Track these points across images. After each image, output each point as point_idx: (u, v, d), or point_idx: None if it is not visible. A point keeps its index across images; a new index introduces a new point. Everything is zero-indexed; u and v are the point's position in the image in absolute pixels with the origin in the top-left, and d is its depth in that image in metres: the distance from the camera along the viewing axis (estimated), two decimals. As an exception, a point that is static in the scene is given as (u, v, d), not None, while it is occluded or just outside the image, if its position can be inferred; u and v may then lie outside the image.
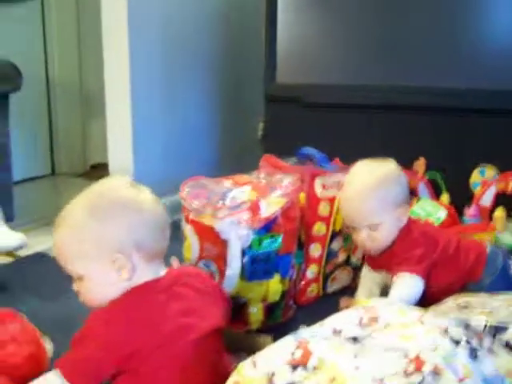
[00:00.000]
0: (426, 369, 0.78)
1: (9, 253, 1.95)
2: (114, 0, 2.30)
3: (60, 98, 3.31)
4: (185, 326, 1.02)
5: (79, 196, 1.05)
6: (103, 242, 1.00)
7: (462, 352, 0.82)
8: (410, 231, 1.47)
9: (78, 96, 3.39)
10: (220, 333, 1.10)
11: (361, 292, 1.60)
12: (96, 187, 1.06)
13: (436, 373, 0.77)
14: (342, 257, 1.73)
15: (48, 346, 1.18)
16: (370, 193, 1.44)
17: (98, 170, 3.16)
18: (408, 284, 1.40)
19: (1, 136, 2.16)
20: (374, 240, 1.46)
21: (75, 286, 1.05)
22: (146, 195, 1.06)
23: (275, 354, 0.89)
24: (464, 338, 0.86)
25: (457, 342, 0.85)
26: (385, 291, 1.50)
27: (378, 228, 1.44)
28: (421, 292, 1.40)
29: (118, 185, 1.07)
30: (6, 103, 2.19)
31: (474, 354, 0.83)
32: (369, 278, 1.58)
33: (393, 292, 1.39)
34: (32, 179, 3.15)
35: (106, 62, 2.37)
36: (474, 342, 0.86)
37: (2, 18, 2.90)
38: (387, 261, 1.47)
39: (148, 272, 1.03)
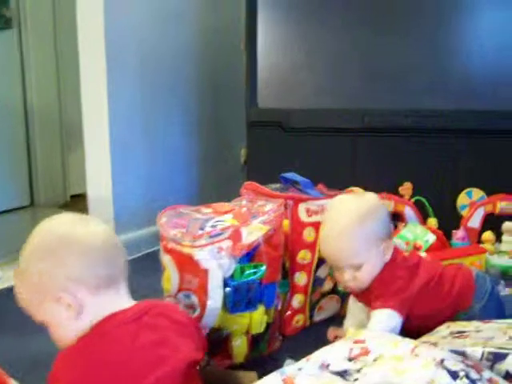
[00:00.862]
0: (423, 406, 0.72)
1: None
2: (90, 28, 2.28)
3: (39, 126, 3.27)
4: (158, 358, 0.96)
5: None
6: (42, 284, 0.98)
7: (460, 386, 0.77)
8: (393, 266, 1.40)
9: (57, 125, 3.36)
10: (196, 367, 1.03)
11: (349, 322, 1.54)
12: (37, 227, 1.04)
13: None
14: (328, 285, 1.67)
15: None
16: (351, 233, 1.36)
17: (79, 201, 3.10)
18: (382, 319, 1.34)
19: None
20: (356, 279, 1.39)
21: None
22: (84, 228, 1.03)
23: (259, 393, 0.82)
24: (462, 370, 0.80)
25: (455, 375, 0.79)
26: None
27: (361, 267, 1.37)
28: (398, 326, 1.33)
29: (54, 223, 1.04)
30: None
31: (472, 387, 0.77)
32: (356, 307, 1.52)
33: (368, 327, 1.33)
34: (10, 211, 3.09)
35: (83, 92, 2.34)
36: (473, 373, 0.80)
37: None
38: (367, 295, 1.42)
39: (101, 305, 0.99)
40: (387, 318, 1.34)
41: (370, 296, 1.40)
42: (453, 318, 1.36)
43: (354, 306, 1.54)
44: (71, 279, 0.97)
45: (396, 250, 1.44)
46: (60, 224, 1.03)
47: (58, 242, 0.99)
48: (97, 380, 0.91)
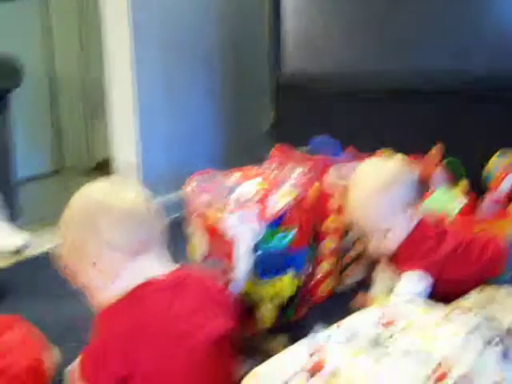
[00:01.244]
0: (455, 374, 0.71)
1: (13, 253, 1.90)
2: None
3: (63, 93, 3.28)
4: (192, 326, 0.97)
5: None
6: (80, 248, 0.99)
7: (493, 354, 0.75)
8: (421, 230, 1.38)
9: (81, 91, 3.35)
10: (229, 337, 1.03)
11: (377, 288, 1.53)
12: (75, 194, 1.05)
13: (466, 378, 0.70)
14: (357, 250, 1.66)
15: (53, 358, 1.13)
16: (377, 198, 1.35)
17: (104, 166, 3.11)
18: (410, 282, 1.33)
19: (2, 134, 2.12)
20: (384, 245, 1.39)
21: None
22: (122, 194, 1.03)
23: (288, 361, 0.82)
24: (495, 338, 0.79)
25: (487, 342, 0.77)
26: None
27: (388, 233, 1.37)
28: (427, 289, 1.32)
29: (91, 189, 1.05)
30: (8, 101, 2.14)
31: (506, 354, 0.76)
32: (384, 273, 1.51)
33: (395, 291, 1.32)
34: (37, 177, 3.11)
35: (106, 56, 2.33)
36: (506, 341, 0.79)
37: (3, 14, 2.85)
38: (396, 261, 1.41)
39: (138, 270, 0.99)
40: (416, 281, 1.32)
41: (399, 261, 1.39)
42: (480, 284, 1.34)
43: (382, 273, 1.53)
44: (107, 245, 0.98)
45: (424, 215, 1.42)
46: (98, 190, 1.04)
47: (95, 208, 1.00)
48: (133, 341, 0.91)
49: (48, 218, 2.42)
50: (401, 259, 1.38)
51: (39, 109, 3.19)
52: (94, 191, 1.04)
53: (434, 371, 0.73)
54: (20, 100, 2.27)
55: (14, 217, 2.02)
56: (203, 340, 0.96)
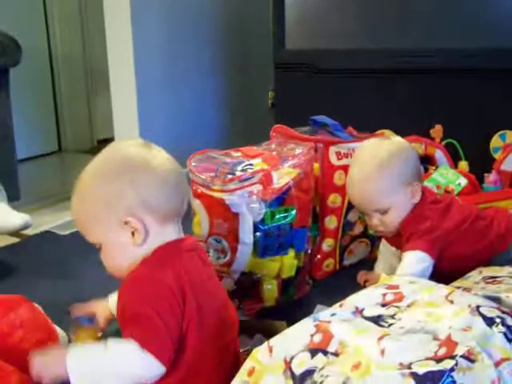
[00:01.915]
0: (459, 352, 0.71)
1: (14, 233, 1.90)
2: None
3: (64, 73, 3.26)
4: (214, 288, 0.99)
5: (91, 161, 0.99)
6: (111, 204, 0.93)
7: (497, 332, 0.75)
8: (422, 208, 1.37)
9: (82, 71, 3.33)
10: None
11: (380, 266, 1.54)
12: (104, 149, 1.00)
13: (470, 357, 0.70)
14: (358, 228, 1.66)
15: (57, 335, 1.14)
16: (376, 176, 1.34)
17: (105, 146, 3.10)
18: (412, 261, 1.32)
19: (2, 112, 2.10)
20: (385, 223, 1.38)
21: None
22: (156, 153, 0.98)
23: (293, 337, 0.82)
24: (498, 317, 0.79)
25: (491, 321, 0.78)
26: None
27: (388, 212, 1.36)
28: (429, 268, 1.31)
29: (126, 145, 1.00)
30: (7, 77, 2.12)
31: (510, 333, 0.76)
32: (387, 250, 1.51)
33: (398, 271, 1.31)
34: (38, 156, 3.11)
35: (108, 34, 2.32)
36: (509, 320, 0.79)
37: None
38: (399, 239, 1.40)
39: (163, 236, 0.97)
40: (417, 260, 1.32)
41: (401, 239, 1.39)
42: (489, 260, 1.34)
43: (385, 251, 1.53)
44: (143, 204, 0.93)
45: (426, 192, 1.41)
46: (136, 147, 0.98)
47: (137, 163, 0.95)
48: (161, 303, 0.88)
49: (48, 197, 2.43)
50: (403, 238, 1.37)
51: (40, 88, 3.17)
52: (133, 147, 0.98)
53: (438, 349, 0.73)
54: (20, 79, 2.25)
55: (13, 197, 2.01)
56: (221, 304, 0.99)
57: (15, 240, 1.98)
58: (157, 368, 0.85)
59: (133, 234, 0.94)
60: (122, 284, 0.94)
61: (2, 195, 1.84)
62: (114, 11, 2.28)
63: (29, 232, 1.98)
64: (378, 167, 1.35)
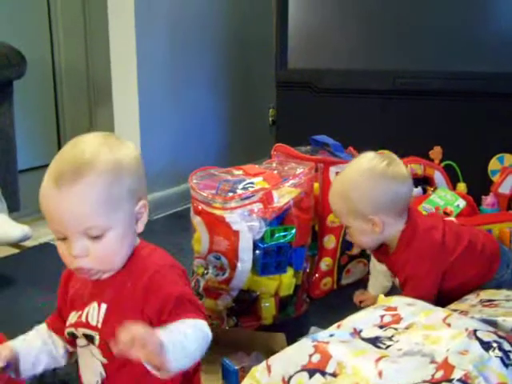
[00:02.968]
0: (456, 376, 0.72)
1: (14, 244, 1.91)
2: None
3: (66, 84, 3.26)
4: None
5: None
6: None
7: (494, 357, 0.76)
8: (412, 241, 1.33)
9: (84, 82, 3.34)
10: None
11: (372, 286, 1.55)
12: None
13: (467, 381, 0.71)
14: (357, 248, 1.67)
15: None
16: (339, 195, 1.37)
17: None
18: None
19: (6, 125, 2.12)
20: (351, 237, 1.41)
21: (77, 250, 0.89)
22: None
23: (291, 357, 0.83)
24: (495, 341, 0.80)
25: (487, 346, 0.79)
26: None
27: (349, 228, 1.39)
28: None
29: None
30: (11, 90, 2.14)
31: (506, 357, 0.77)
32: (377, 269, 1.52)
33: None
34: (38, 168, 3.11)
35: (112, 49, 2.33)
36: (506, 345, 0.80)
37: (7, 2, 2.85)
38: (389, 264, 1.40)
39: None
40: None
41: (393, 266, 1.38)
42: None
43: (374, 269, 1.54)
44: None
45: (417, 219, 1.37)
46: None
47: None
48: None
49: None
50: (400, 272, 1.35)
51: (42, 99, 3.18)
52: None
53: (435, 372, 0.74)
54: (22, 90, 2.26)
55: (13, 208, 2.02)
56: None
57: (14, 251, 1.98)
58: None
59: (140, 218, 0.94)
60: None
61: (3, 206, 1.85)
62: (118, 24, 2.30)
63: (28, 244, 1.99)
64: (344, 189, 1.36)
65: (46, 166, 0.95)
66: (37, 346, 1.01)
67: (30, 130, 2.96)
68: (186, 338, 0.82)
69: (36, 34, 3.08)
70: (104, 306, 0.91)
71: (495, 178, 2.03)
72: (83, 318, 0.93)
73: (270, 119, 2.94)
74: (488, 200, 1.97)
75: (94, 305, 0.93)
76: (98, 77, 3.28)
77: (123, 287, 0.91)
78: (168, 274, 0.91)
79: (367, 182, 1.32)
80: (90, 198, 0.87)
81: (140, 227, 0.94)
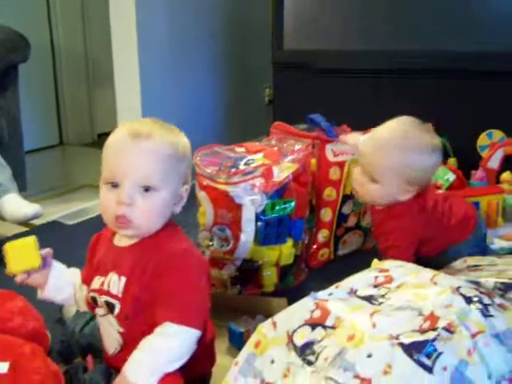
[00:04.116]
0: (440, 325, 0.81)
1: (24, 222, 1.98)
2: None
3: (66, 66, 3.31)
4: None
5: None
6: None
7: (475, 309, 0.85)
8: (405, 209, 1.39)
9: (83, 64, 3.39)
10: None
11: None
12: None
13: (450, 329, 0.80)
14: (352, 221, 1.76)
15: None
16: (388, 149, 1.36)
17: (106, 139, 3.17)
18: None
19: (13, 107, 2.18)
20: (366, 190, 1.40)
21: (127, 197, 0.98)
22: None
23: (294, 314, 0.92)
24: (476, 296, 0.89)
25: (469, 300, 0.88)
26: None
27: (377, 183, 1.37)
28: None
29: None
30: (16, 74, 2.19)
31: (486, 310, 0.86)
32: None
33: None
34: (40, 149, 3.17)
35: (113, 30, 2.37)
36: (486, 299, 0.89)
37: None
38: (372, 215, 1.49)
39: None
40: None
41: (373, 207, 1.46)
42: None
43: None
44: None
45: (423, 201, 1.42)
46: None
47: None
48: None
49: (52, 189, 2.51)
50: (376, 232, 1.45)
51: (42, 81, 3.22)
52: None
53: (422, 323, 0.83)
54: (23, 73, 2.29)
55: (21, 188, 2.08)
56: None
57: (23, 229, 2.05)
58: None
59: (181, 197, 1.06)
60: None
61: (14, 186, 1.92)
62: (118, 6, 2.33)
63: (36, 222, 2.06)
64: (395, 144, 1.37)
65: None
66: (68, 278, 1.13)
67: (30, 113, 3.01)
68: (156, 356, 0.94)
69: (34, 16, 3.12)
70: (123, 279, 1.01)
71: (484, 153, 2.10)
72: (105, 286, 1.03)
73: (267, 99, 3.01)
74: (477, 175, 2.04)
75: (115, 276, 1.02)
76: (97, 58, 3.33)
77: (138, 263, 1.01)
78: (176, 263, 0.99)
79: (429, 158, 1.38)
80: (158, 156, 0.99)
81: (177, 209, 1.05)
